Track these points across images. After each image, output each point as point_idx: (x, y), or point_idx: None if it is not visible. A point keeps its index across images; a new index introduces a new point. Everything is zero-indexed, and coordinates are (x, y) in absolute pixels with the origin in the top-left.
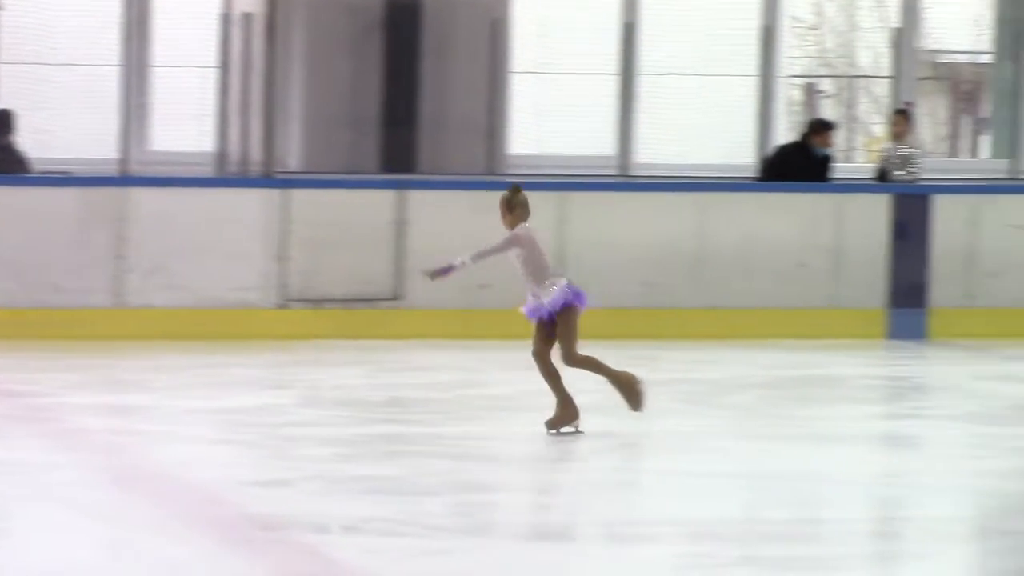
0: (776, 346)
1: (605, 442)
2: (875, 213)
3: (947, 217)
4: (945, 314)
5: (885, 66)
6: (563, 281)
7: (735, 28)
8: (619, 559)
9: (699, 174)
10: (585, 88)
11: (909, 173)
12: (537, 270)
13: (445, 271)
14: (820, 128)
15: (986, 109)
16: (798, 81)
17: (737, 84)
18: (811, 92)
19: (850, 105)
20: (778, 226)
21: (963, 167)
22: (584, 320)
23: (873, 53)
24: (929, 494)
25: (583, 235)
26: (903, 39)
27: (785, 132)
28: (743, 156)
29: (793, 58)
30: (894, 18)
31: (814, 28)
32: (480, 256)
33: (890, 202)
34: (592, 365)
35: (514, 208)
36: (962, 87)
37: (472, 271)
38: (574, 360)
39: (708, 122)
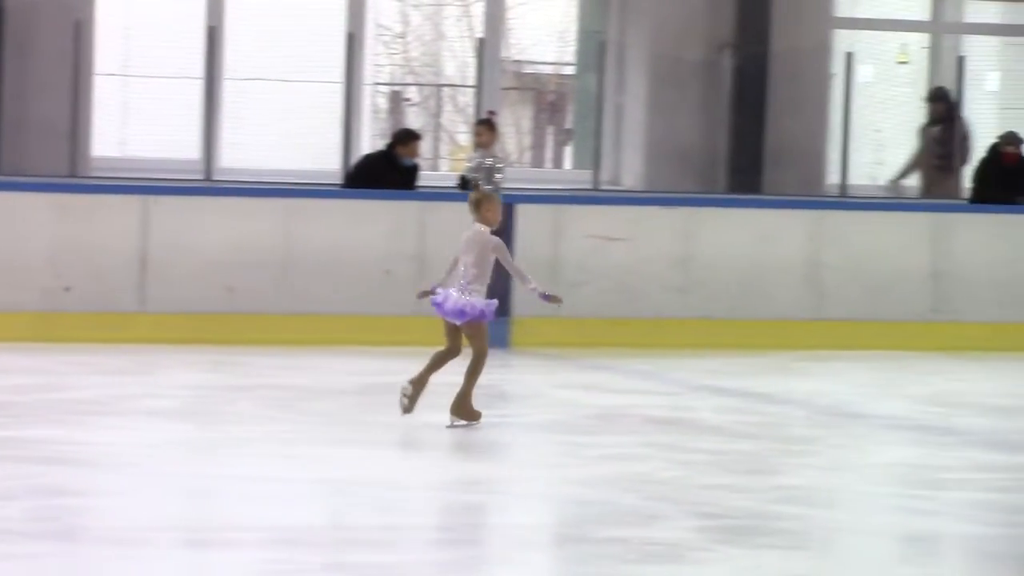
0: (362, 352)
1: (189, 447)
2: (459, 222)
3: (530, 226)
4: (528, 323)
5: (470, 75)
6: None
7: (321, 34)
8: (200, 565)
9: (285, 180)
10: (170, 91)
11: (493, 182)
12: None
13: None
14: (406, 138)
15: (570, 120)
16: (384, 89)
17: (323, 91)
18: (397, 100)
19: (435, 114)
20: (364, 233)
21: (547, 177)
22: (166, 325)
23: (458, 62)
24: (511, 501)
25: (166, 239)
26: (487, 49)
27: (371, 139)
28: (329, 163)
29: (379, 66)
30: (479, 28)
31: (400, 36)
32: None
33: None
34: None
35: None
36: (546, 98)
37: (60, 274)
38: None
39: (294, 128)
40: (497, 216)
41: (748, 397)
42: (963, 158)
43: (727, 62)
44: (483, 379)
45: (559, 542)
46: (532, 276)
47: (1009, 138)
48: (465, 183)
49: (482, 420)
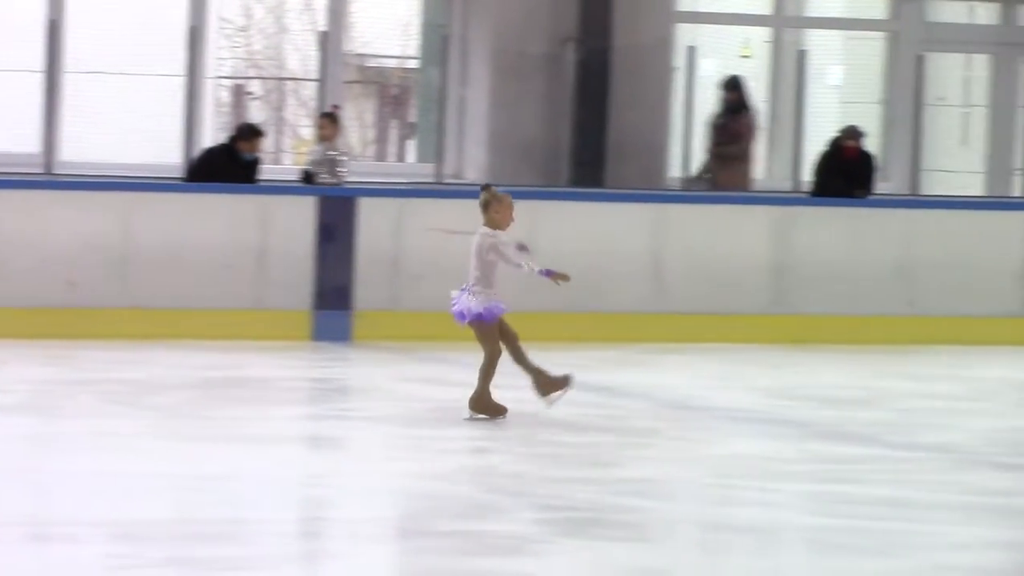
0: (202, 347)
1: (29, 442)
2: (301, 215)
3: (373, 220)
4: (370, 316)
5: (313, 69)
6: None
7: (163, 28)
8: (41, 560)
9: (126, 174)
10: (10, 85)
11: (336, 176)
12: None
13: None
14: (248, 134)
15: (413, 114)
16: (227, 82)
17: (165, 84)
18: (240, 93)
19: (278, 107)
20: (205, 227)
21: (390, 171)
22: (6, 319)
23: (301, 56)
24: (353, 495)
25: (6, 233)
26: (330, 42)
27: (213, 133)
28: (170, 157)
29: (222, 59)
30: (321, 21)
31: (243, 29)
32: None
33: (316, 204)
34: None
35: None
36: (390, 91)
37: None
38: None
39: (135, 122)
40: (507, 218)
41: (591, 390)
42: (748, 148)
43: (570, 56)
44: (324, 373)
45: (401, 535)
46: (528, 260)
47: (850, 132)
48: (308, 177)
49: (507, 416)
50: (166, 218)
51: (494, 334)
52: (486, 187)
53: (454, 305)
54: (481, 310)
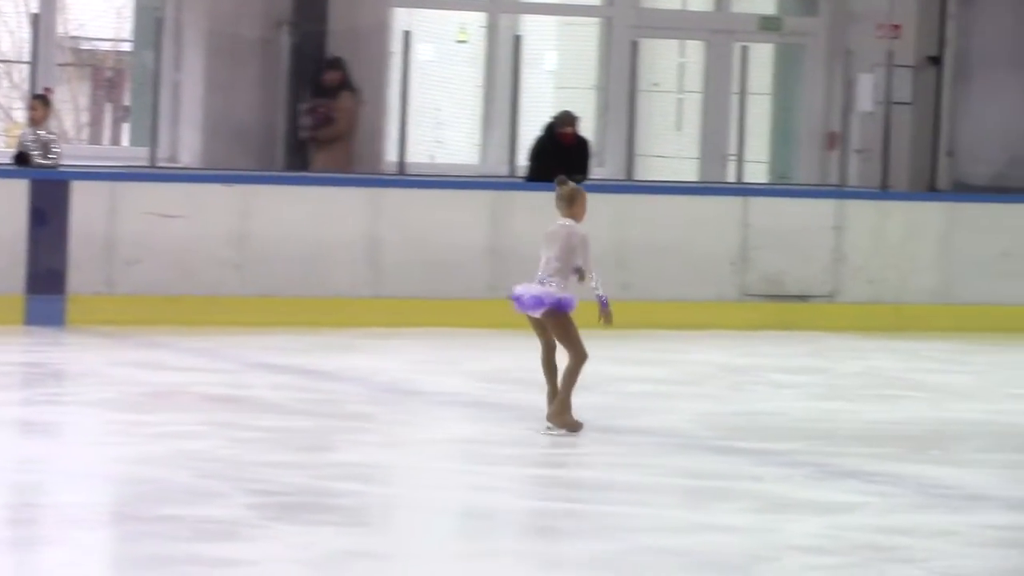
0: None
1: None
2: (13, 199)
3: (86, 204)
4: (83, 300)
5: (26, 51)
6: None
7: None
8: None
9: None
10: None
11: (48, 159)
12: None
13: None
14: None
15: (127, 97)
16: None
17: None
18: None
19: None
20: None
21: (104, 154)
22: None
23: (14, 38)
24: (65, 480)
25: None
26: (42, 24)
27: None
28: None
29: None
30: (34, 3)
31: None
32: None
33: (28, 188)
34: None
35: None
36: (104, 74)
37: None
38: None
39: None
40: (585, 211)
41: (306, 374)
42: (345, 130)
43: (285, 40)
44: (37, 357)
45: (112, 521)
46: (597, 277)
47: (565, 118)
48: (21, 159)
49: (582, 431)
50: None
51: (576, 332)
52: (564, 180)
53: (522, 296)
54: (560, 296)
